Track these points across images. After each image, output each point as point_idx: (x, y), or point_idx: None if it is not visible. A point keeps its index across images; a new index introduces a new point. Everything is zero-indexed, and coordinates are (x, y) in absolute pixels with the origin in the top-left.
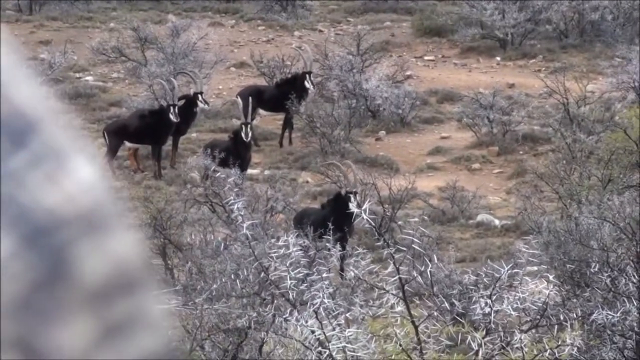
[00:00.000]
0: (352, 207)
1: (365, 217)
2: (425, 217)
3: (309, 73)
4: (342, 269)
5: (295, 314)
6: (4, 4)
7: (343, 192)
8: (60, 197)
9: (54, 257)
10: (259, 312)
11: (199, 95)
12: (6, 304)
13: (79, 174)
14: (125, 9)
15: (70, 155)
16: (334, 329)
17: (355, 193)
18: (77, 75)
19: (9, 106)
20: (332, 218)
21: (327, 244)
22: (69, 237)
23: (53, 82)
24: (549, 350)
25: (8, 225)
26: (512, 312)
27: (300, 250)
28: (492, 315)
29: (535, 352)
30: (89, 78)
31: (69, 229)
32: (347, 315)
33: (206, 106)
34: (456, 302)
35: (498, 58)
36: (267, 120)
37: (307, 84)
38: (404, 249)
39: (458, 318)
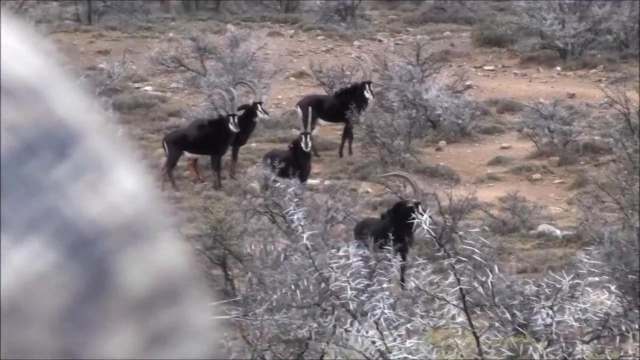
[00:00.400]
0: (415, 217)
1: (425, 227)
2: (486, 228)
3: (369, 83)
4: (402, 280)
5: (356, 324)
6: (63, 13)
7: (410, 203)
8: (103, 207)
9: (98, 268)
10: (319, 322)
11: (258, 105)
12: (51, 316)
13: (122, 184)
14: (184, 19)
15: (113, 166)
16: (394, 340)
17: (419, 204)
18: (136, 85)
19: (51, 117)
20: (392, 228)
21: (387, 255)
22: (112, 247)
23: (112, 92)
24: None
25: (52, 237)
26: (574, 323)
27: (361, 260)
28: (554, 326)
29: None
30: (148, 88)
31: (111, 239)
32: (408, 326)
33: (265, 116)
34: (517, 313)
35: (558, 68)
36: (327, 130)
37: (367, 94)
38: (465, 259)
39: (519, 329)
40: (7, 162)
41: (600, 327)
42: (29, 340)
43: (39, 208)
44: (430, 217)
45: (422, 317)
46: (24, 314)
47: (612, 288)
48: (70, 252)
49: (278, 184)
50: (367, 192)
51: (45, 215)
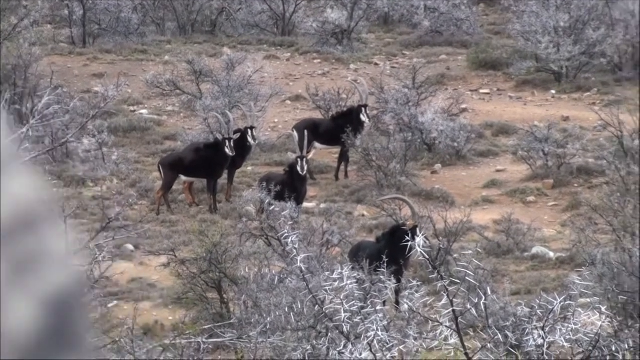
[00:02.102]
0: (412, 240)
1: (419, 250)
2: (480, 250)
3: (365, 106)
4: (397, 302)
5: (350, 346)
6: (58, 36)
7: (406, 226)
8: None
9: None
10: (313, 345)
11: (249, 130)
12: None
13: None
14: (180, 42)
15: None
16: None
17: (416, 227)
18: (132, 108)
19: None
20: (387, 251)
21: (382, 277)
22: None
23: (107, 116)
24: None
25: None
26: (565, 344)
27: (355, 283)
28: (545, 346)
29: None
30: (144, 111)
31: None
32: (401, 347)
33: (253, 142)
34: (510, 334)
35: (553, 91)
36: (323, 154)
37: (363, 117)
38: (459, 281)
39: (512, 350)
40: None
41: (591, 348)
42: None
43: None
44: (425, 239)
45: (415, 338)
46: None
47: (603, 309)
48: None
49: (274, 208)
50: (363, 215)
51: None
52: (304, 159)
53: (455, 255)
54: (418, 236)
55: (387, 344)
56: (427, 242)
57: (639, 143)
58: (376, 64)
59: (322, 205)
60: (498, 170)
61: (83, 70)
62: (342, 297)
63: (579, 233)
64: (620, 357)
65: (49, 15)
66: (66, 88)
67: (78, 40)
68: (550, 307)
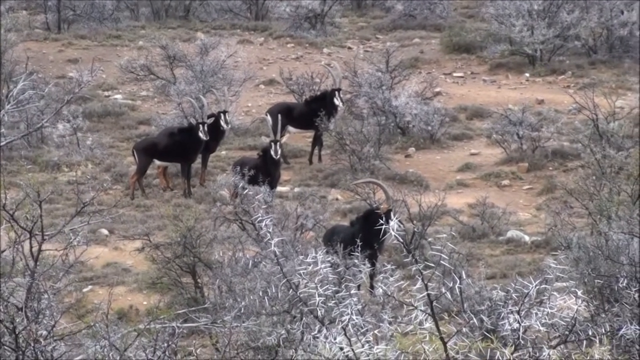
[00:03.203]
0: (386, 224)
1: (394, 234)
2: (455, 234)
3: (339, 90)
4: (372, 286)
5: (324, 331)
6: (33, 22)
7: (380, 210)
8: None
9: None
10: (288, 329)
11: (222, 115)
12: None
13: None
14: (153, 27)
15: None
16: (362, 346)
17: (390, 211)
18: (106, 93)
19: None
20: (362, 235)
21: (356, 261)
22: None
23: (81, 101)
24: None
25: None
26: (541, 328)
27: (330, 267)
28: (521, 331)
29: None
30: (118, 96)
31: None
32: (376, 332)
33: (227, 126)
34: (485, 319)
35: (527, 74)
36: (297, 138)
37: (337, 101)
38: (433, 265)
39: (487, 334)
40: None
41: (567, 332)
42: None
43: None
44: (400, 223)
45: (390, 323)
46: None
47: (579, 293)
48: None
49: (247, 192)
50: (337, 199)
51: None
52: (278, 143)
53: (429, 239)
54: (392, 220)
55: (362, 328)
56: (402, 225)
57: (614, 126)
58: (349, 48)
59: (296, 189)
60: (472, 154)
61: (58, 55)
62: (316, 281)
63: (554, 216)
64: (597, 341)
65: (24, 1)
66: (41, 73)
67: (53, 26)
68: (526, 291)
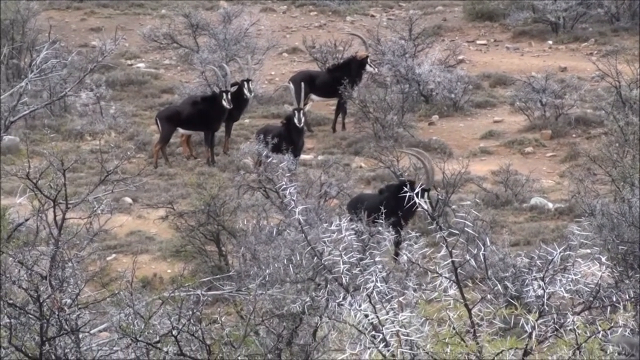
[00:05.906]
0: (417, 199)
1: (419, 202)
2: (479, 201)
3: (367, 57)
4: (396, 254)
5: (349, 298)
6: None
7: (417, 187)
8: None
9: None
10: (312, 297)
11: (245, 83)
12: None
13: None
14: None
15: None
16: (387, 313)
17: (428, 190)
18: (129, 62)
19: None
20: (391, 205)
21: (380, 229)
22: None
23: (104, 69)
24: (601, 332)
25: None
26: (565, 294)
27: (354, 234)
28: (545, 297)
29: (588, 333)
30: (141, 65)
31: None
32: (401, 299)
33: (250, 94)
34: (509, 285)
35: (550, 42)
36: (320, 106)
37: (370, 67)
38: (457, 232)
39: (511, 301)
40: None
41: (591, 298)
42: None
43: None
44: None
45: (414, 290)
46: None
47: (603, 259)
48: None
49: (271, 160)
50: (361, 167)
51: None
52: (301, 111)
53: (453, 207)
54: (425, 201)
55: (386, 295)
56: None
57: (637, 93)
58: (372, 16)
59: (320, 157)
60: (495, 121)
61: (80, 24)
62: (340, 249)
63: (577, 184)
64: (621, 307)
65: None
66: (64, 42)
67: None
68: (550, 258)
